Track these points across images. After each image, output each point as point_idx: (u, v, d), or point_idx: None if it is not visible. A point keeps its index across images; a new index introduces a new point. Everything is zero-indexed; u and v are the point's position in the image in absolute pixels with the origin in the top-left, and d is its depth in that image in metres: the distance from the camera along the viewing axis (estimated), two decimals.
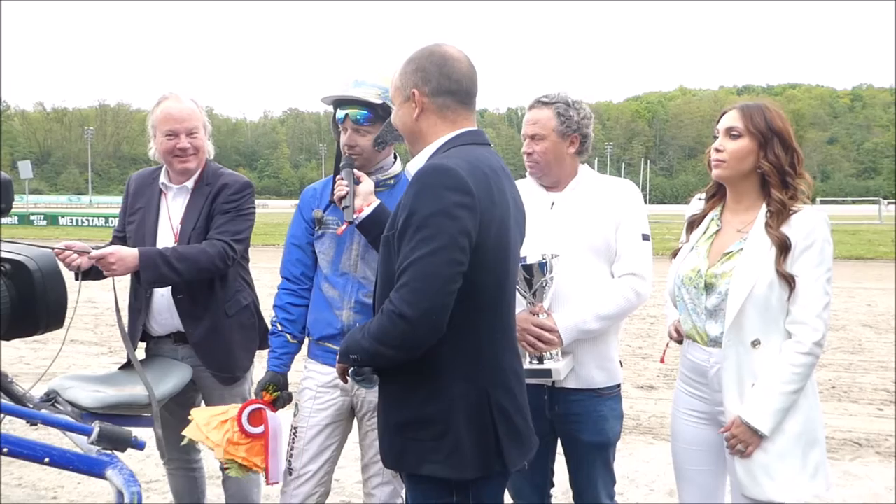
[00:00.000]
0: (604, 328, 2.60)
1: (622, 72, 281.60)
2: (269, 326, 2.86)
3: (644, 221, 2.69)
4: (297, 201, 2.87)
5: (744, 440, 2.27)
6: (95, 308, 10.25)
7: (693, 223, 2.58)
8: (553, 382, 2.62)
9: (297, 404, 2.76)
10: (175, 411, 2.98)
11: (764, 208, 2.34)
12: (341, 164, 2.62)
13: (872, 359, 7.84)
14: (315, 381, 2.71)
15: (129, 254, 2.79)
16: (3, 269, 2.47)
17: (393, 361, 1.89)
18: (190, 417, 2.62)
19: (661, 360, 3.01)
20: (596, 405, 2.65)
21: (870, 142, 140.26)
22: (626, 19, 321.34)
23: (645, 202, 2.81)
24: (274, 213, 49.24)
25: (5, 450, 1.96)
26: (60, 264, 2.62)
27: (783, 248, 2.25)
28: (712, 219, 2.50)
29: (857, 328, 9.57)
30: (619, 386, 2.74)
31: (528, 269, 2.50)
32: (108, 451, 2.20)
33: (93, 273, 2.89)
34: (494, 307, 1.98)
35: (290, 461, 2.67)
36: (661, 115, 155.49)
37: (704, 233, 2.49)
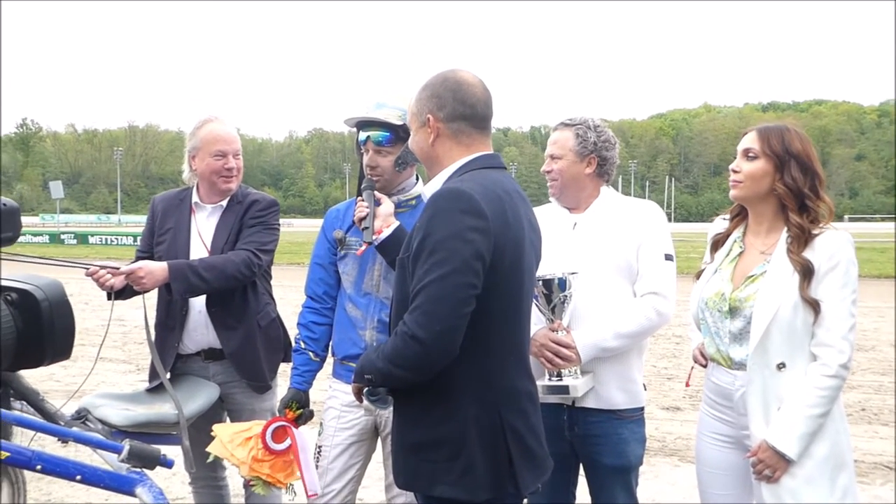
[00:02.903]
0: (623, 347, 2.59)
1: (645, 89, 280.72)
2: (293, 343, 2.91)
3: (667, 242, 2.69)
4: (321, 220, 2.93)
5: (770, 465, 2.25)
6: (124, 326, 10.38)
7: (717, 243, 2.58)
8: (573, 401, 2.62)
9: (321, 423, 2.79)
10: (203, 429, 3.02)
11: (785, 232, 2.34)
12: (362, 186, 2.68)
13: None
14: (339, 400, 2.74)
15: (158, 267, 2.88)
16: (9, 297, 2.44)
17: (406, 382, 1.92)
18: (213, 434, 2.66)
19: (687, 384, 3.00)
20: (616, 427, 2.64)
21: None
22: (649, 37, 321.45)
23: (669, 220, 2.83)
24: (299, 231, 49.58)
25: (39, 467, 2.01)
26: (81, 287, 2.64)
27: (806, 273, 2.24)
28: (735, 240, 2.50)
29: (886, 349, 9.41)
30: (642, 409, 2.72)
31: (547, 284, 2.53)
32: (138, 469, 2.24)
33: (125, 293, 2.96)
34: (508, 329, 2.00)
35: None
36: (686, 133, 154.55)
37: (728, 254, 2.49)
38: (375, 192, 2.63)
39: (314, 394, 2.80)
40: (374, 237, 2.54)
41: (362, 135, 2.65)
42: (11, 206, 2.32)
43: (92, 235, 39.28)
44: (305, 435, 2.67)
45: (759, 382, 2.30)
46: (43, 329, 2.43)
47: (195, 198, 3.19)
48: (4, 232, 2.32)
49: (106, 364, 8.19)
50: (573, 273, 2.55)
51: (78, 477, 2.09)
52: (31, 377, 2.72)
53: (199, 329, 3.10)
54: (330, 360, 2.84)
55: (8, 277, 2.53)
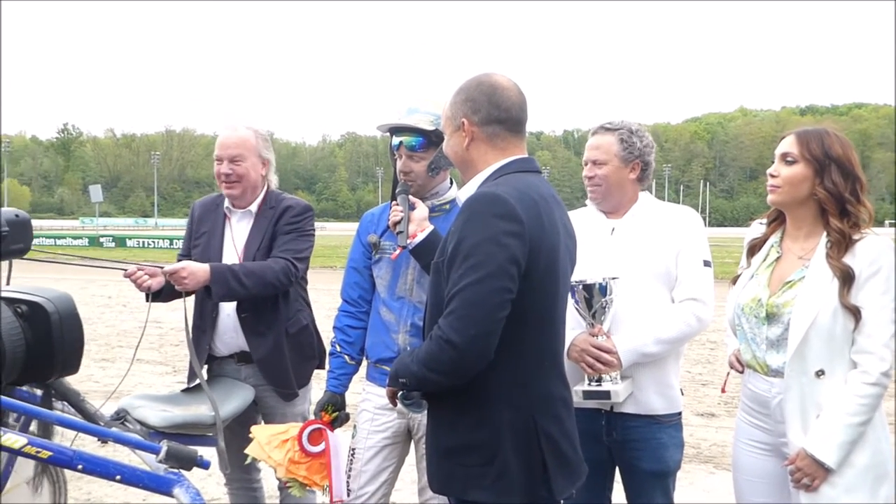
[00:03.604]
0: (663, 352, 2.58)
1: (680, 93, 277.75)
2: (329, 347, 2.93)
3: (705, 248, 2.68)
4: (354, 224, 2.94)
5: (809, 473, 2.21)
6: (160, 328, 10.54)
7: (753, 248, 2.55)
8: (611, 406, 2.61)
9: (355, 426, 2.81)
10: (237, 431, 3.05)
11: (825, 237, 2.30)
12: (396, 191, 2.69)
13: None
14: (372, 402, 2.76)
15: (200, 268, 2.91)
16: (19, 310, 2.40)
17: (441, 387, 1.92)
18: (251, 435, 2.69)
19: (723, 390, 2.96)
20: (655, 432, 2.63)
21: None
22: (684, 39, 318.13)
23: (704, 225, 2.81)
24: (331, 235, 49.93)
25: (80, 466, 2.05)
26: (119, 289, 2.65)
27: (846, 279, 2.21)
28: (772, 245, 2.46)
29: None
30: (679, 414, 2.71)
31: (588, 289, 2.52)
32: (175, 470, 2.27)
33: (162, 295, 3.00)
34: (543, 334, 2.00)
35: (348, 482, 2.72)
36: (721, 137, 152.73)
37: (765, 260, 2.46)
38: (410, 197, 2.65)
39: (348, 396, 2.82)
40: (408, 241, 2.55)
41: (395, 140, 2.66)
42: (23, 217, 2.35)
43: (129, 238, 39.98)
44: (341, 438, 2.69)
45: (796, 389, 2.27)
46: (52, 342, 2.38)
47: (227, 203, 3.23)
48: (17, 243, 2.34)
49: (142, 365, 8.32)
50: (614, 278, 2.54)
51: (118, 477, 2.12)
52: (71, 378, 2.77)
53: (229, 333, 3.13)
54: (364, 364, 2.86)
55: (18, 289, 2.51)
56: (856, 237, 2.26)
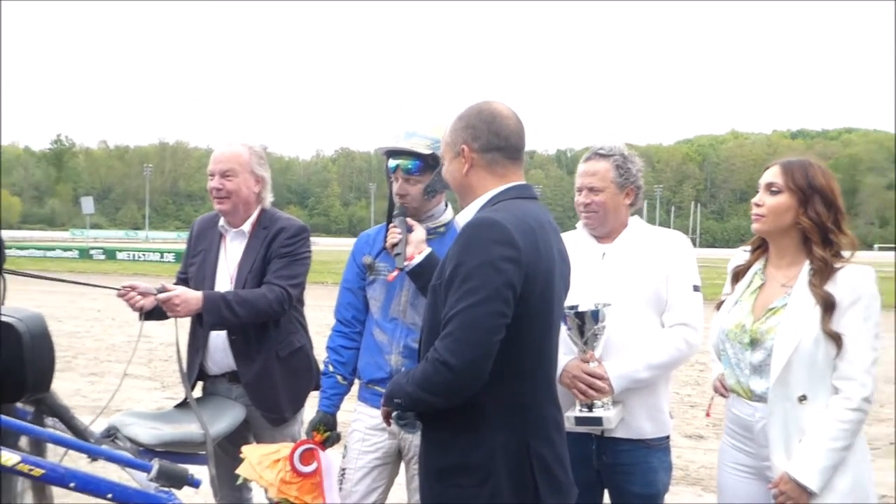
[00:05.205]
0: (654, 378, 2.61)
1: (672, 114, 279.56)
2: (321, 366, 2.93)
3: (694, 272, 2.72)
4: (346, 239, 2.97)
5: (793, 497, 2.24)
6: (149, 343, 10.48)
7: (738, 274, 2.59)
8: (602, 431, 2.63)
9: (346, 446, 2.82)
10: (228, 450, 3.05)
11: (807, 265, 2.36)
12: (394, 213, 2.72)
13: None
14: (364, 423, 2.78)
15: (194, 296, 2.91)
16: None
17: (435, 408, 1.95)
18: (242, 455, 2.70)
19: (707, 414, 3.00)
20: (645, 456, 2.65)
21: None
22: (676, 61, 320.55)
23: (695, 246, 2.85)
24: (323, 250, 49.68)
25: (72, 484, 2.06)
26: (107, 303, 2.63)
27: (828, 306, 2.26)
28: (756, 272, 2.51)
29: None
30: (667, 437, 2.73)
31: (580, 316, 2.54)
32: (166, 488, 2.29)
33: (155, 314, 3.01)
34: (537, 358, 2.03)
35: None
36: (713, 159, 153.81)
37: (748, 286, 2.51)
38: (407, 219, 2.68)
39: (340, 415, 2.84)
40: (405, 263, 2.58)
41: (392, 163, 2.70)
42: None
43: (120, 251, 39.76)
44: (332, 458, 2.71)
45: (780, 414, 2.31)
46: (24, 363, 2.32)
47: (222, 221, 3.21)
48: None
49: (131, 381, 8.28)
50: (607, 305, 2.56)
51: (109, 495, 2.14)
52: (60, 393, 2.77)
53: (219, 352, 3.13)
54: (356, 384, 2.88)
55: None
56: (837, 266, 2.31)
